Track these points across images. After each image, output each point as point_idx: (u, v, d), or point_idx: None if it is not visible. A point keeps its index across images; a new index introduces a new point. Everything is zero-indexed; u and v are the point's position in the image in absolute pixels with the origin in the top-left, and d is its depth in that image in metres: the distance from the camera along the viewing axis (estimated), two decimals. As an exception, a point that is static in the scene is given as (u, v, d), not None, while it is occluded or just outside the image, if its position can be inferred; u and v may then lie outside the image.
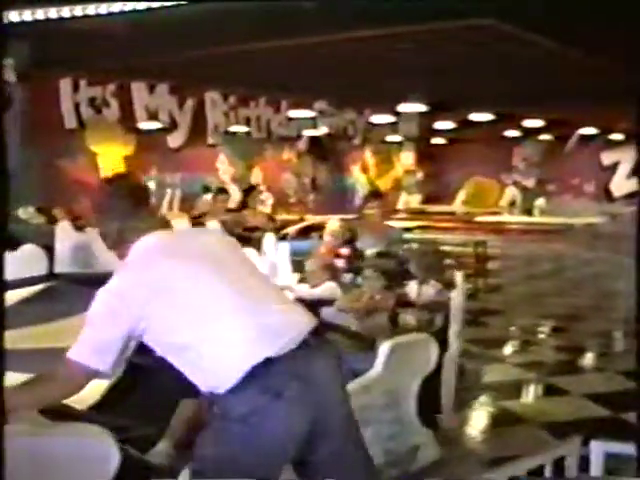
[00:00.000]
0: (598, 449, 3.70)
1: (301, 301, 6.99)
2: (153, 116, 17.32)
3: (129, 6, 10.11)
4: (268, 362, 2.92)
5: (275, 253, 9.59)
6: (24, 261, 11.40)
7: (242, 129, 19.33)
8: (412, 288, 7.16)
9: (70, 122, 16.02)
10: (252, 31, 11.73)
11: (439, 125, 22.69)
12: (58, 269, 11.59)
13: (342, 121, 21.99)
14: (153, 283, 3.03)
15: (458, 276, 7.51)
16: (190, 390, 3.31)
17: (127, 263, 3.19)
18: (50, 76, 15.29)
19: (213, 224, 11.05)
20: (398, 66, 14.63)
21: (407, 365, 5.07)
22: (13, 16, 10.11)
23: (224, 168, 18.86)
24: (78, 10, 10.03)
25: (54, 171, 15.43)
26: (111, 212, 3.27)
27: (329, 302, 6.93)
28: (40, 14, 10.16)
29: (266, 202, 19.71)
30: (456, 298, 6.73)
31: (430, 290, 7.01)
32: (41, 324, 9.09)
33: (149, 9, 10.44)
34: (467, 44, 12.82)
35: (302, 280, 7.87)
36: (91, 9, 10.10)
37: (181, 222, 11.89)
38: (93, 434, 3.10)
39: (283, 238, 10.85)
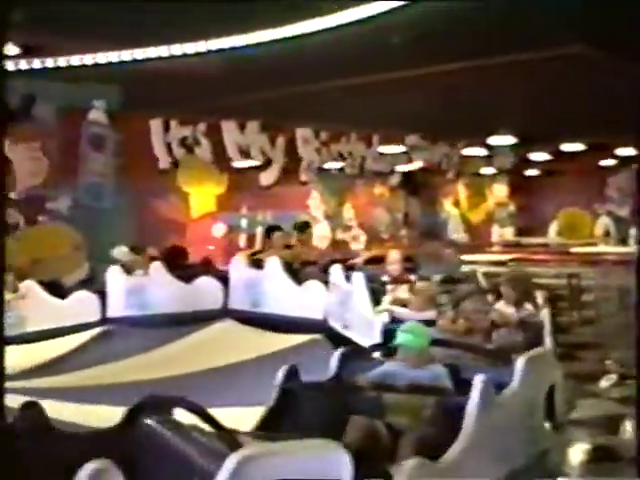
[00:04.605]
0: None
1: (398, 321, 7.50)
2: (245, 154, 17.37)
3: (214, 45, 10.20)
4: None
5: (347, 283, 10.04)
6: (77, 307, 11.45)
7: (335, 165, 19.27)
8: (501, 309, 7.77)
9: (164, 162, 16.23)
10: (342, 67, 11.73)
11: (533, 157, 22.36)
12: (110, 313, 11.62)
13: (435, 155, 21.80)
14: None
15: (539, 297, 8.18)
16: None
17: None
18: (141, 117, 15.55)
19: (273, 260, 11.31)
20: (490, 98, 14.46)
21: (539, 376, 5.65)
22: (101, 58, 10.31)
23: (315, 205, 18.84)
24: (164, 50, 10.16)
25: (147, 211, 15.63)
26: None
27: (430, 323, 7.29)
28: (127, 55, 10.32)
29: (359, 238, 19.65)
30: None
31: (523, 312, 7.71)
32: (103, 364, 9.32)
33: (235, 48, 10.53)
34: (558, 73, 12.60)
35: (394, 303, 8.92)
36: (176, 49, 10.22)
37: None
38: (330, 450, 3.06)
39: (351, 268, 10.94)
